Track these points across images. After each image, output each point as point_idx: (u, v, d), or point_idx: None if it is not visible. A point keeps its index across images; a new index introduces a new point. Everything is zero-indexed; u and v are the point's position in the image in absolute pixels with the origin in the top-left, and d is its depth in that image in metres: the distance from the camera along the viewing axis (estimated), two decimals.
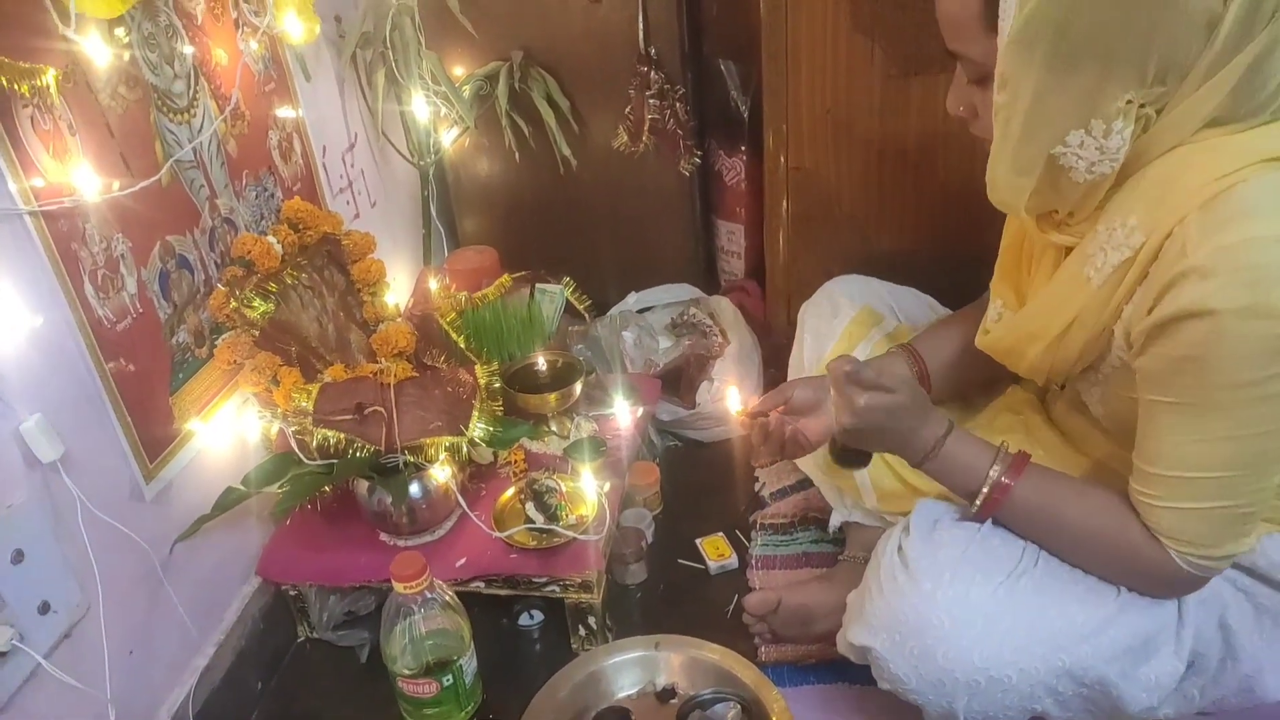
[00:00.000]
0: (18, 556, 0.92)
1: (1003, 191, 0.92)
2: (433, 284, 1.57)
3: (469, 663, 1.17)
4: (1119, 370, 0.94)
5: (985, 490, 0.97)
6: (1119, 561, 0.94)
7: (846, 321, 1.35)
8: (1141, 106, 0.82)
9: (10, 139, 0.91)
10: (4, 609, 0.90)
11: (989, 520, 1.00)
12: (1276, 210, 0.78)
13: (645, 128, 1.77)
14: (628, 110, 1.78)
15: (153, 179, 1.11)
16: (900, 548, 1.01)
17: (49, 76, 0.92)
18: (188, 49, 1.18)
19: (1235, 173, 0.80)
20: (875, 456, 1.23)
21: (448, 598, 1.15)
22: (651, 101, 1.75)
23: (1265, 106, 0.81)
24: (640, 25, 1.71)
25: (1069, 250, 0.96)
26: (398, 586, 1.08)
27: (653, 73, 1.74)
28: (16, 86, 0.87)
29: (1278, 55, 0.79)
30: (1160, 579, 0.92)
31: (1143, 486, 0.90)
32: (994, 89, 0.86)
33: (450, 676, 1.13)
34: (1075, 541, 0.96)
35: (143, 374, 1.10)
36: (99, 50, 1.01)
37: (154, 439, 1.12)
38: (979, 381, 1.24)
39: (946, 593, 0.95)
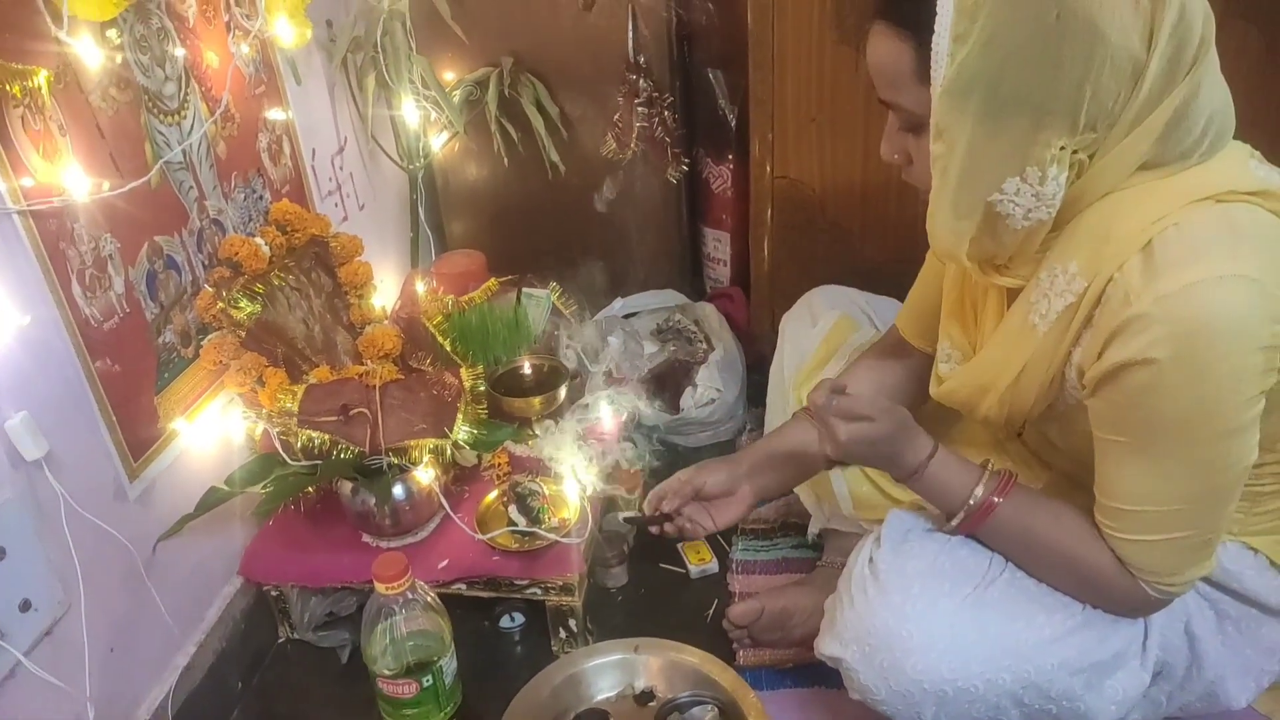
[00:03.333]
0: (0, 554, 0.93)
1: (944, 239, 0.90)
2: (420, 287, 1.58)
3: (449, 664, 1.17)
4: (1074, 408, 0.94)
5: (968, 507, 0.98)
6: (1090, 586, 0.95)
7: (825, 331, 1.37)
8: (1075, 153, 0.83)
9: (0, 138, 0.92)
10: None
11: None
12: (1208, 251, 0.80)
13: (633, 135, 1.78)
14: (616, 117, 1.79)
15: (142, 180, 1.12)
16: (871, 559, 1.03)
17: (40, 78, 0.92)
18: (179, 51, 1.19)
19: (1167, 216, 0.82)
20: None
21: (429, 599, 1.16)
22: (640, 109, 1.76)
23: (1193, 150, 0.84)
24: (630, 33, 1.73)
25: (1012, 293, 0.96)
26: (379, 587, 1.09)
27: (641, 81, 1.75)
28: (8, 87, 0.88)
29: (1200, 101, 0.81)
30: (1129, 604, 0.94)
31: (1105, 519, 0.91)
32: (930, 138, 0.85)
33: (430, 677, 1.14)
34: (1050, 565, 0.97)
35: (128, 373, 1.10)
36: (91, 52, 1.01)
37: (139, 438, 1.12)
38: None
39: (915, 605, 0.96)
